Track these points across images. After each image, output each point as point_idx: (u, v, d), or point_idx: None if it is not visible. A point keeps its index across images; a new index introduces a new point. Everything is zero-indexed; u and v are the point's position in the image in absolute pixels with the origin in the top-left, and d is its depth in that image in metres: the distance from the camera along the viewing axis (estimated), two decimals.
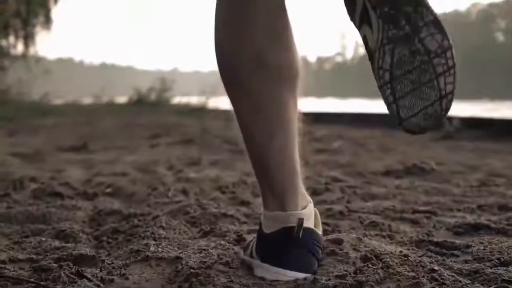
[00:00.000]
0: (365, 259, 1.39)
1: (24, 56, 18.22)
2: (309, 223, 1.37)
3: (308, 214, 1.38)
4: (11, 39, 18.49)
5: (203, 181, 2.69)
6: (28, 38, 18.63)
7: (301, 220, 1.34)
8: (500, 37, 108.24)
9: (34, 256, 1.46)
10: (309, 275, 1.32)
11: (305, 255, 1.35)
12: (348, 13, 1.37)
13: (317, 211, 1.45)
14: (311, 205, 1.41)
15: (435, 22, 1.30)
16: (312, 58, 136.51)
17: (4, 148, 4.79)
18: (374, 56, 1.34)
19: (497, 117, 8.17)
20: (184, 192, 2.38)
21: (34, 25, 18.73)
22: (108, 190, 2.43)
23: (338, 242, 1.51)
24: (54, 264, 1.33)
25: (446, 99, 1.30)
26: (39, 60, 18.57)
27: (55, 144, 5.31)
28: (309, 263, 1.35)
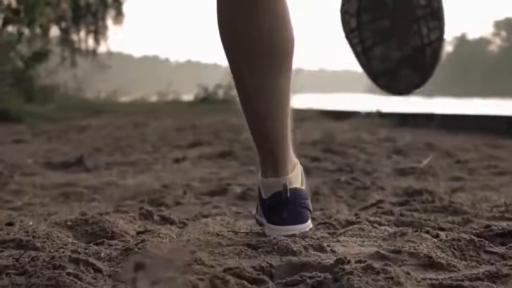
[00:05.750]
0: None
1: (94, 52, 17.41)
2: (296, 183, 1.59)
3: (295, 175, 1.60)
4: (82, 34, 17.72)
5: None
6: (99, 33, 17.74)
7: (285, 185, 1.55)
8: None
9: None
10: (303, 225, 1.59)
11: (295, 210, 1.58)
12: None
13: (302, 168, 1.65)
14: (298, 166, 1.63)
15: None
16: None
17: None
18: None
19: None
20: None
21: (104, 19, 17.84)
22: None
23: None
24: None
25: (430, 48, 1.17)
26: (109, 55, 17.82)
27: (52, 156, 4.10)
28: (300, 216, 1.59)
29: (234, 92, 12.16)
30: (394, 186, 2.91)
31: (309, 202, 1.64)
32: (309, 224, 1.62)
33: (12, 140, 5.44)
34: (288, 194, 1.56)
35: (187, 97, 16.43)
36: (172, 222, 1.95)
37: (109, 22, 17.85)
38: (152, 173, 3.42)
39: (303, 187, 1.63)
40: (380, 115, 8.36)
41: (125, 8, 19.32)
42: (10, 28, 11.98)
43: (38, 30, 12.86)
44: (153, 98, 16.71)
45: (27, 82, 10.82)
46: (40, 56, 11.40)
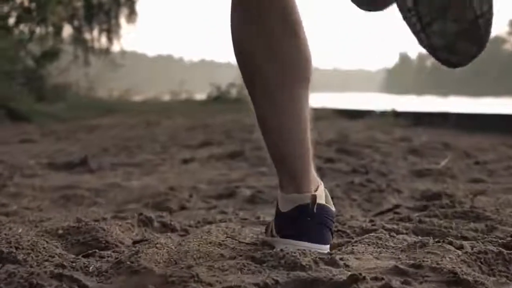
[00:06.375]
0: None
1: (107, 50, 17.30)
2: (321, 201, 1.45)
3: (320, 194, 1.47)
4: (95, 32, 17.62)
5: None
6: (112, 32, 17.62)
7: (314, 197, 1.43)
8: None
9: None
10: (322, 245, 1.42)
11: (319, 228, 1.44)
12: None
13: (327, 191, 1.51)
14: (321, 187, 1.50)
15: None
16: (412, 55, 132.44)
17: None
18: None
19: None
20: None
21: (117, 17, 17.71)
22: None
23: None
24: None
25: (483, 19, 1.24)
26: (122, 54, 17.71)
27: (56, 157, 3.99)
28: (323, 235, 1.44)
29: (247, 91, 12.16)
30: (411, 188, 2.76)
31: (333, 225, 1.50)
32: (327, 248, 1.46)
33: (19, 140, 5.33)
34: (315, 209, 1.43)
35: (200, 96, 16.34)
36: (173, 229, 1.82)
37: (122, 20, 17.73)
38: (158, 175, 3.29)
39: (331, 208, 1.50)
40: (395, 114, 8.21)
41: (138, 7, 19.23)
42: (22, 27, 11.91)
43: (50, 28, 12.78)
44: (166, 97, 16.63)
45: (38, 81, 10.73)
46: (51, 55, 11.31)
